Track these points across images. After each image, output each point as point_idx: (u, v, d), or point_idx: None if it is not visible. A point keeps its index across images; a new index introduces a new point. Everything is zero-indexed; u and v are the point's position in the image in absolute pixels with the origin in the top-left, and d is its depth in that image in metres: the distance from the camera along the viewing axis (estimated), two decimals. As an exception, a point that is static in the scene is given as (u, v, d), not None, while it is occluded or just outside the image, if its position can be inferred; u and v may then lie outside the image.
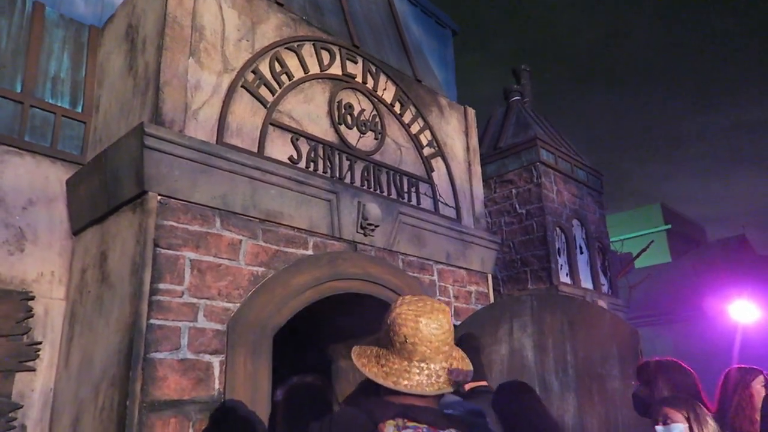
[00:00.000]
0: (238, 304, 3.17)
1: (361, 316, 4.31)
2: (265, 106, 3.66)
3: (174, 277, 2.94)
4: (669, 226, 26.75)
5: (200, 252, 3.08)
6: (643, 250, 9.36)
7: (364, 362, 1.56)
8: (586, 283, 6.37)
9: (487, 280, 4.96)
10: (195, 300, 3.00)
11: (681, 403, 2.16)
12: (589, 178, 7.12)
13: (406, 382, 1.43)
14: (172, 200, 3.04)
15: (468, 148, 5.28)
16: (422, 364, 1.46)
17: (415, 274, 4.33)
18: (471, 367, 1.55)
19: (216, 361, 3.01)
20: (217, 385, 2.97)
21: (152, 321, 2.79)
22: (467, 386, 2.92)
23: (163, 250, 2.93)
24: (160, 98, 3.12)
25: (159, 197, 2.98)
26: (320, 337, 4.84)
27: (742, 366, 2.65)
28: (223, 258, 3.18)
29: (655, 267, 19.97)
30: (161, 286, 2.88)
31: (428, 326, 1.46)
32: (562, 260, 6.09)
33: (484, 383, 2.90)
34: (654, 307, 15.24)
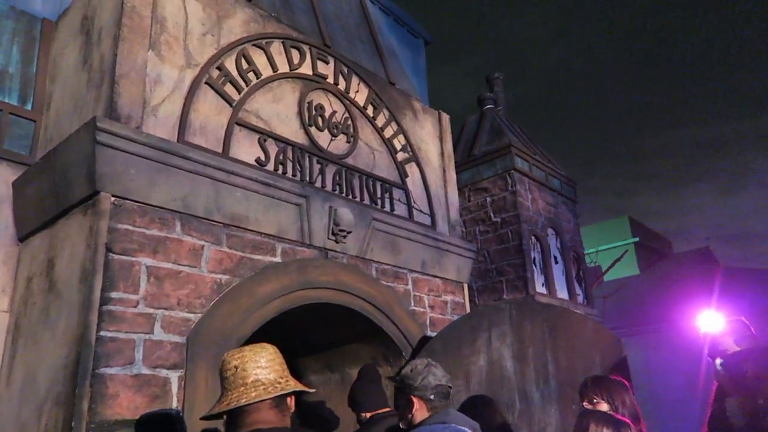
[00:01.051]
0: (200, 314, 2.94)
1: (332, 328, 4.11)
2: (230, 105, 3.46)
3: (128, 285, 2.69)
4: (637, 239, 27.16)
5: (158, 258, 2.84)
6: (617, 260, 9.36)
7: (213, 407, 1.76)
8: (562, 293, 6.27)
9: (463, 290, 4.81)
10: (152, 310, 2.75)
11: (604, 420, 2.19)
12: (564, 187, 7.07)
13: (245, 398, 1.67)
14: (128, 201, 2.80)
15: (443, 154, 5.15)
16: (242, 388, 1.70)
17: (390, 283, 4.14)
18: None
19: (174, 376, 2.76)
20: (175, 403, 2.73)
21: (103, 333, 2.54)
22: (368, 414, 3.09)
23: (116, 256, 2.69)
24: (116, 92, 2.90)
25: (113, 198, 2.75)
26: (289, 349, 4.60)
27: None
28: (183, 265, 2.94)
29: (624, 279, 20.20)
30: (114, 294, 2.63)
31: (253, 354, 1.77)
32: (537, 270, 5.98)
33: (386, 410, 3.07)
34: (623, 318, 15.33)
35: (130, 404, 2.56)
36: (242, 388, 1.69)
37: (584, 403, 2.67)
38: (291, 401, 1.76)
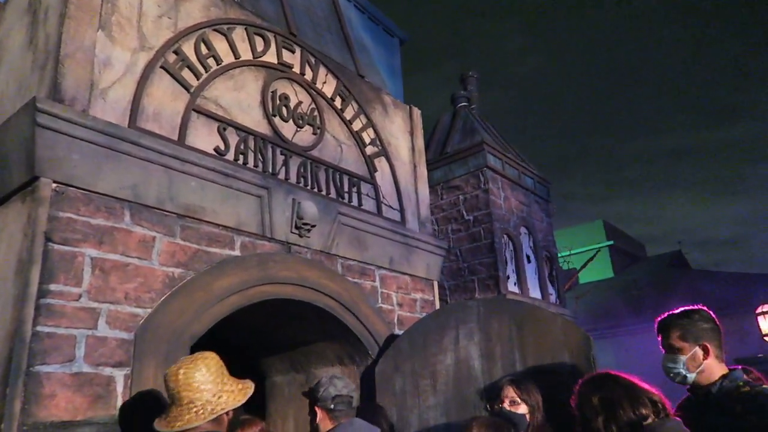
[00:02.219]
0: (150, 310, 2.77)
1: (295, 326, 3.96)
2: (188, 91, 3.29)
3: (70, 277, 2.52)
4: (612, 242, 27.46)
5: (104, 249, 2.67)
6: (590, 260, 9.35)
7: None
8: (534, 292, 6.21)
9: (433, 288, 4.69)
10: (96, 304, 2.58)
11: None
12: (537, 186, 7.01)
13: (179, 423, 1.84)
14: (71, 189, 2.63)
15: (413, 149, 5.04)
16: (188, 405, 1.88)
17: (356, 280, 4.01)
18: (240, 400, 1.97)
19: (120, 374, 2.59)
20: (119, 403, 2.55)
21: (39, 328, 2.37)
22: None
23: (56, 246, 2.51)
24: (60, 73, 2.72)
25: (54, 185, 2.57)
26: (253, 349, 4.44)
27: None
28: (132, 257, 2.77)
29: (598, 282, 20.37)
30: (53, 287, 2.45)
31: (186, 374, 1.92)
32: (510, 269, 5.90)
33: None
34: (597, 320, 15.43)
35: (69, 405, 2.39)
36: (179, 409, 1.89)
37: (503, 404, 2.82)
38: (225, 416, 1.94)
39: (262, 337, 4.19)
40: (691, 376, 2.10)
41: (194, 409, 1.86)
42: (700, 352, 2.08)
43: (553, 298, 6.49)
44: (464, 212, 6.05)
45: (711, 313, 2.19)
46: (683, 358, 2.10)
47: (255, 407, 4.53)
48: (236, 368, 4.93)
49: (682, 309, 2.25)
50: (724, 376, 2.05)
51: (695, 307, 2.24)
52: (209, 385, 1.92)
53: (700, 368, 2.08)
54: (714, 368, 2.07)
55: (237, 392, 2.00)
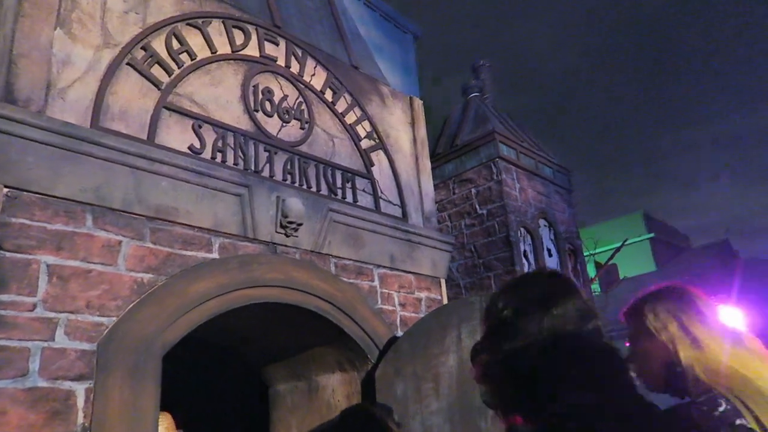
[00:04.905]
0: (115, 318, 2.61)
1: (290, 331, 3.77)
2: (158, 88, 3.14)
3: (23, 286, 2.37)
4: (652, 235, 26.49)
5: (63, 255, 2.52)
6: (617, 250, 8.89)
7: None
8: (557, 287, 5.84)
9: (440, 286, 4.43)
10: (53, 314, 2.43)
11: None
12: (557, 175, 6.66)
13: None
14: (25, 193, 2.49)
15: (415, 141, 4.79)
16: None
17: (352, 280, 3.79)
18: None
19: (81, 388, 2.43)
20: (80, 419, 2.39)
21: (-12, 341, 2.22)
22: None
23: (8, 253, 2.37)
24: (13, 73, 2.60)
25: (6, 190, 2.43)
26: (253, 356, 4.27)
27: None
28: (95, 262, 2.62)
29: (641, 277, 19.61)
30: (4, 297, 2.31)
31: None
32: (528, 263, 5.58)
33: None
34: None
35: (22, 422, 2.23)
36: None
37: None
38: None
39: (257, 344, 4.01)
40: None
41: None
42: None
43: (578, 292, 6.10)
44: (477, 206, 5.75)
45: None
46: None
47: (259, 418, 4.35)
48: (239, 378, 4.78)
49: None
50: None
51: None
52: None
53: None
54: None
55: None
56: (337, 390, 3.92)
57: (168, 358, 2.80)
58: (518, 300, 1.25)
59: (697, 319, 1.64)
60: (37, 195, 2.52)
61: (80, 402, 2.41)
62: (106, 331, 2.56)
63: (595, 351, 1.16)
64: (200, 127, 3.26)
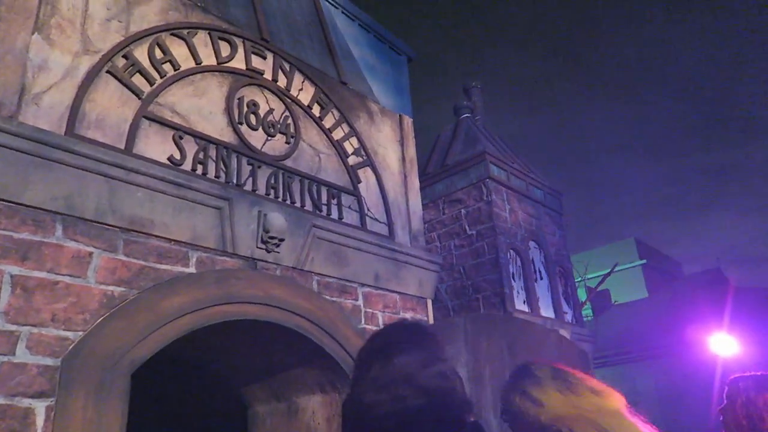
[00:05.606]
0: (82, 333, 2.50)
1: (268, 350, 3.64)
2: (138, 97, 3.07)
3: (-17, 296, 2.26)
4: (644, 261, 26.45)
5: (28, 266, 2.42)
6: (606, 275, 8.82)
7: None
8: (547, 311, 5.76)
9: (426, 306, 4.33)
10: (14, 327, 2.32)
11: None
12: (547, 197, 6.61)
13: None
14: (-8, 200, 2.39)
15: (404, 159, 4.73)
16: None
17: (335, 298, 3.68)
18: None
19: (41, 405, 2.31)
20: (39, 439, 2.26)
21: (-58, 354, 2.11)
22: None
23: (-30, 263, 2.26)
24: (-15, 76, 2.52)
25: (-29, 196, 2.34)
26: (231, 376, 4.13)
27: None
28: (63, 274, 2.51)
29: (633, 303, 19.51)
30: (-37, 308, 2.20)
31: None
32: (518, 285, 5.49)
33: None
34: (633, 343, 14.67)
35: (-26, 441, 2.11)
36: None
37: None
38: None
39: (234, 363, 3.88)
40: None
41: None
42: None
43: (568, 317, 6.02)
44: (467, 226, 5.68)
45: None
46: None
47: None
48: (218, 399, 4.63)
49: None
50: None
51: None
52: None
53: None
54: None
55: None
56: (318, 412, 3.79)
57: (139, 377, 2.68)
58: (364, 348, 1.38)
59: None
60: (3, 202, 2.42)
61: (40, 421, 2.28)
62: (71, 346, 2.44)
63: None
64: (181, 138, 3.18)
